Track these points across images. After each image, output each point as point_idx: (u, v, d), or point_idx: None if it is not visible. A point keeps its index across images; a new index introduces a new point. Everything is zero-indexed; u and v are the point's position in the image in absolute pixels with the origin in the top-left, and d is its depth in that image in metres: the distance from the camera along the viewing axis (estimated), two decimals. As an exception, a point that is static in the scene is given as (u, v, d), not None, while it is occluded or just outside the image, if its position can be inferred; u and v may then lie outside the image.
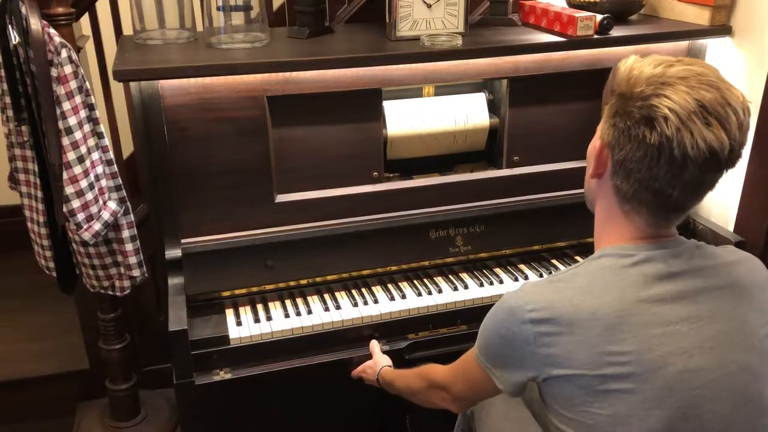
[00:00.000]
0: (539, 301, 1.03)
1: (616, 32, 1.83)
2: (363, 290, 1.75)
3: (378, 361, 1.56)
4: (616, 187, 1.05)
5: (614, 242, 1.08)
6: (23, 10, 1.52)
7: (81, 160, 1.61)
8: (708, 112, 0.95)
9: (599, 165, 1.08)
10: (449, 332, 1.69)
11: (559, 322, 1.01)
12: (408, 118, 1.84)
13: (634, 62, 1.03)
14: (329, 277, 1.75)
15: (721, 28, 1.88)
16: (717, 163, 0.97)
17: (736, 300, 1.05)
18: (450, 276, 1.81)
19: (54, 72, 1.55)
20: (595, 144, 1.09)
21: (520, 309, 1.04)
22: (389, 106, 1.82)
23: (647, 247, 1.05)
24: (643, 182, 1.01)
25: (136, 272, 1.82)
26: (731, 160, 0.99)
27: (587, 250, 1.90)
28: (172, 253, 1.68)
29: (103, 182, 1.70)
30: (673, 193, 1.00)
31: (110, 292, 1.88)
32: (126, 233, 1.77)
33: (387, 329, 1.67)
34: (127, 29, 1.94)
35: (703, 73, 0.98)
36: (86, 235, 1.66)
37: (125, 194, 1.77)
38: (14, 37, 1.59)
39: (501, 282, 1.78)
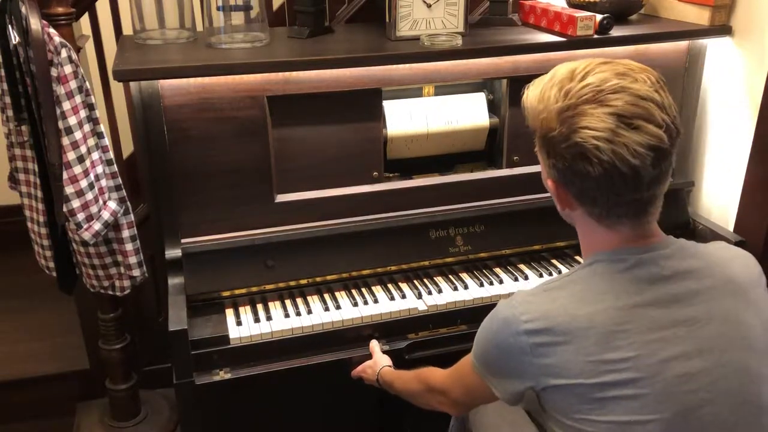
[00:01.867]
0: (534, 311, 1.02)
1: (616, 32, 1.83)
2: (363, 290, 1.75)
3: (378, 361, 1.56)
4: (589, 212, 1.05)
5: (604, 248, 1.07)
6: (23, 10, 1.52)
7: (81, 160, 1.61)
8: (628, 118, 0.95)
9: (562, 201, 1.08)
10: (449, 332, 1.69)
11: (556, 331, 1.00)
12: (408, 118, 1.84)
13: (537, 101, 1.02)
14: (329, 277, 1.75)
15: (721, 28, 1.88)
16: (664, 152, 0.97)
17: (731, 299, 1.04)
18: (450, 276, 1.81)
19: (54, 72, 1.55)
20: (547, 182, 1.09)
21: (516, 319, 1.03)
22: (389, 106, 1.82)
23: (638, 250, 1.04)
24: (611, 201, 1.01)
25: (136, 272, 1.82)
26: (674, 140, 0.99)
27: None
28: (172, 253, 1.68)
29: (103, 182, 1.70)
30: (642, 196, 1.00)
31: (110, 292, 1.88)
32: (126, 233, 1.77)
33: (387, 329, 1.67)
34: (127, 29, 1.94)
35: (602, 80, 0.97)
36: (86, 235, 1.66)
37: (125, 194, 1.77)
38: (14, 37, 1.59)
39: (501, 282, 1.78)
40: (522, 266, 1.87)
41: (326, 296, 1.73)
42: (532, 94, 1.04)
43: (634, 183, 0.97)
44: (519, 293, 1.08)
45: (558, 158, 1.00)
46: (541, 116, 1.01)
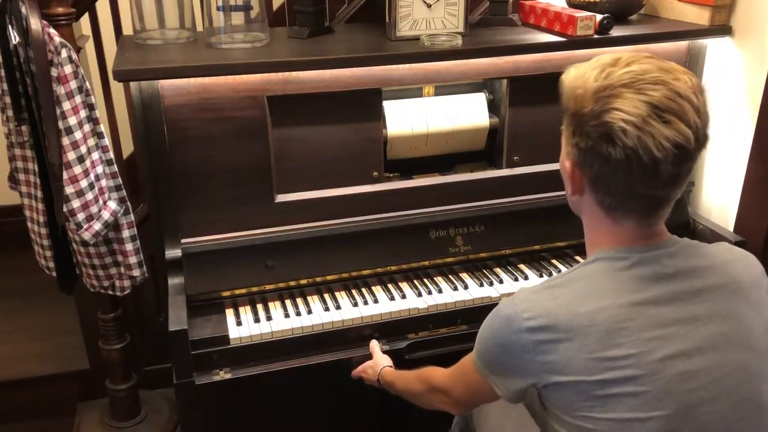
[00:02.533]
0: (536, 308, 1.03)
1: (616, 32, 1.83)
2: (363, 290, 1.75)
3: (378, 362, 1.56)
4: (598, 201, 1.05)
5: (608, 246, 1.07)
6: (23, 10, 1.52)
7: (81, 160, 1.61)
8: (661, 110, 0.95)
9: (575, 184, 1.08)
10: (449, 332, 1.69)
11: (558, 329, 1.00)
12: (408, 118, 1.84)
13: (575, 79, 1.02)
14: (329, 277, 1.75)
15: (721, 28, 1.88)
16: (687, 154, 0.97)
17: (732, 299, 1.05)
18: (450, 276, 1.81)
19: (54, 72, 1.55)
20: (564, 164, 1.09)
21: (517, 317, 1.03)
22: (389, 106, 1.82)
23: (641, 249, 1.04)
24: (623, 192, 1.01)
25: (136, 272, 1.82)
26: (700, 146, 0.99)
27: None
28: (172, 253, 1.68)
29: (103, 182, 1.70)
30: (655, 193, 1.00)
31: (110, 292, 1.88)
32: (126, 233, 1.77)
33: (387, 329, 1.67)
34: (127, 29, 1.94)
35: (644, 71, 0.97)
36: (86, 235, 1.66)
37: (125, 194, 1.77)
38: (14, 37, 1.59)
39: (501, 282, 1.78)
40: (522, 266, 1.87)
41: (326, 296, 1.73)
42: (572, 73, 1.04)
43: (651, 176, 0.97)
44: (521, 291, 1.08)
45: (582, 137, 1.00)
46: (577, 92, 1.00)
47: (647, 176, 0.97)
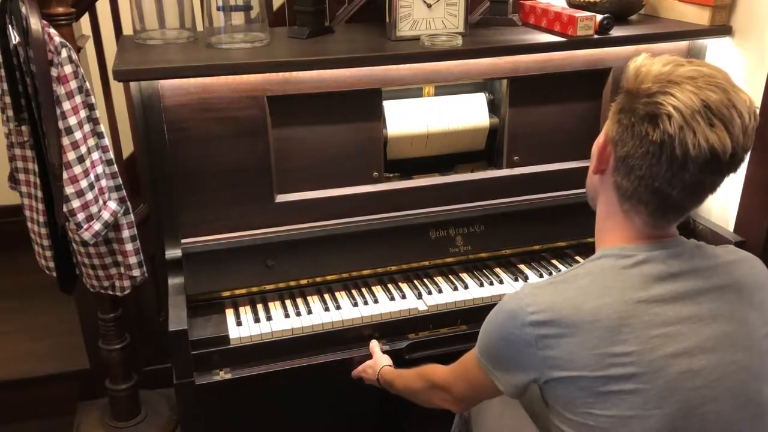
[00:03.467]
0: (540, 303, 1.03)
1: (616, 32, 1.83)
2: (363, 290, 1.75)
3: (378, 361, 1.56)
4: (617, 184, 1.06)
5: (614, 242, 1.08)
6: (23, 10, 1.52)
7: (81, 160, 1.61)
8: (712, 112, 0.95)
9: (602, 161, 1.08)
10: (449, 332, 1.69)
11: (561, 324, 1.01)
12: (408, 118, 1.84)
13: (644, 60, 1.03)
14: (329, 277, 1.75)
15: (721, 28, 1.88)
16: (718, 165, 0.97)
17: (736, 300, 1.05)
18: (450, 276, 1.81)
19: (54, 72, 1.55)
20: (599, 138, 1.09)
21: (522, 311, 1.04)
22: (389, 106, 1.82)
23: (647, 248, 1.05)
24: (643, 180, 1.01)
25: (136, 272, 1.82)
26: (733, 164, 0.99)
27: (587, 250, 1.90)
28: (172, 253, 1.68)
29: (103, 182, 1.70)
30: (672, 193, 1.00)
31: (110, 292, 1.88)
32: (126, 233, 1.77)
33: (387, 329, 1.67)
34: (127, 29, 1.94)
35: (712, 74, 0.98)
36: (86, 235, 1.66)
37: (125, 194, 1.77)
38: (14, 37, 1.59)
39: (501, 282, 1.78)
40: (522, 266, 1.87)
41: (326, 296, 1.73)
42: (643, 57, 1.05)
43: (675, 173, 0.98)
44: (526, 286, 1.09)
45: (628, 113, 1.01)
46: (641, 69, 1.01)
47: (671, 171, 0.97)
